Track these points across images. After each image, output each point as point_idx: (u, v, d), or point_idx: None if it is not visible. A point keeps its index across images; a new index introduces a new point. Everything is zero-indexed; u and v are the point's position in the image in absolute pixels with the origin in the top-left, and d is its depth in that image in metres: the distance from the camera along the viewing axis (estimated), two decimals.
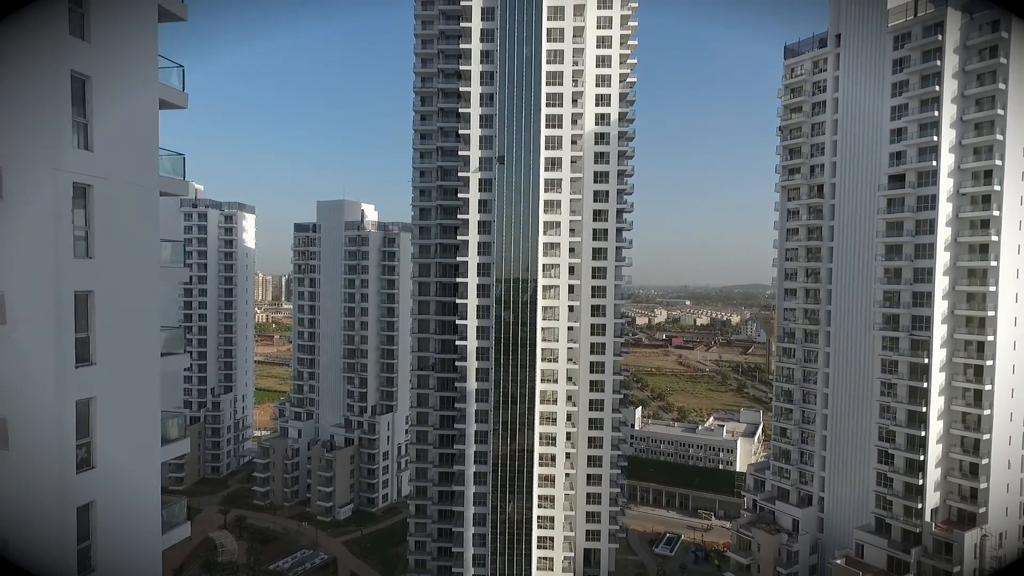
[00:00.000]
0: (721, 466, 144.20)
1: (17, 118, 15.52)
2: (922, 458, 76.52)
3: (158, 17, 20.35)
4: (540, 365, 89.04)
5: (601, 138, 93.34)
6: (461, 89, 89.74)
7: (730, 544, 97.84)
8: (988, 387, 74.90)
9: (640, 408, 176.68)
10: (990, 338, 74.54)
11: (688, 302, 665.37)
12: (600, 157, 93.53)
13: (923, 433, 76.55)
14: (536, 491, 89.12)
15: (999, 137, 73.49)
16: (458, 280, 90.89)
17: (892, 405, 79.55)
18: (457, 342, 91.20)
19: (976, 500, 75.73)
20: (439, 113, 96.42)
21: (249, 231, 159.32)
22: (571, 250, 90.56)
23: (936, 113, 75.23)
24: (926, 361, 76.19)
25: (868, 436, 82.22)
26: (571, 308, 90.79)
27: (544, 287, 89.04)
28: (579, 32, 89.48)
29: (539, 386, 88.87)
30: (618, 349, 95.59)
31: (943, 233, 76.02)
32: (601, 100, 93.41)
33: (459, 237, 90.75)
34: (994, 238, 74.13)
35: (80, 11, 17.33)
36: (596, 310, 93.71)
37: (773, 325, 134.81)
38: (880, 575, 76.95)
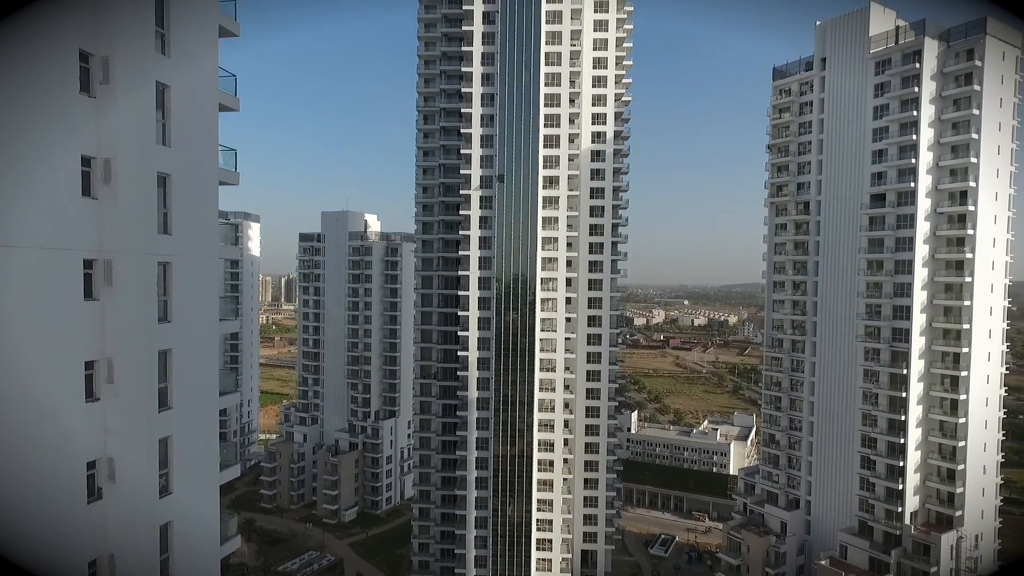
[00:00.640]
0: (715, 469, 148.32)
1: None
2: (902, 464, 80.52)
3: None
4: (539, 375, 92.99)
5: (597, 155, 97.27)
6: (463, 110, 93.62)
7: (722, 545, 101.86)
8: (964, 396, 78.96)
9: (636, 412, 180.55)
10: (965, 350, 78.58)
11: (686, 302, 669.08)
12: (596, 174, 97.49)
13: (902, 440, 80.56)
14: (535, 495, 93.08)
15: (973, 160, 77.51)
16: (460, 293, 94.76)
17: (874, 413, 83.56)
18: (459, 352, 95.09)
19: (953, 504, 79.77)
20: (441, 131, 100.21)
21: (254, 239, 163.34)
22: (568, 263, 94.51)
23: (914, 136, 79.22)
24: (905, 372, 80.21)
25: (851, 443, 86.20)
26: (568, 319, 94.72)
27: (542, 300, 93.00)
28: (576, 56, 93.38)
29: (537, 395, 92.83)
30: (614, 358, 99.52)
31: (921, 250, 80.00)
32: (597, 119, 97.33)
33: (461, 252, 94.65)
34: (969, 255, 78.11)
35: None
36: (592, 320, 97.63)
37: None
38: (862, 575, 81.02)
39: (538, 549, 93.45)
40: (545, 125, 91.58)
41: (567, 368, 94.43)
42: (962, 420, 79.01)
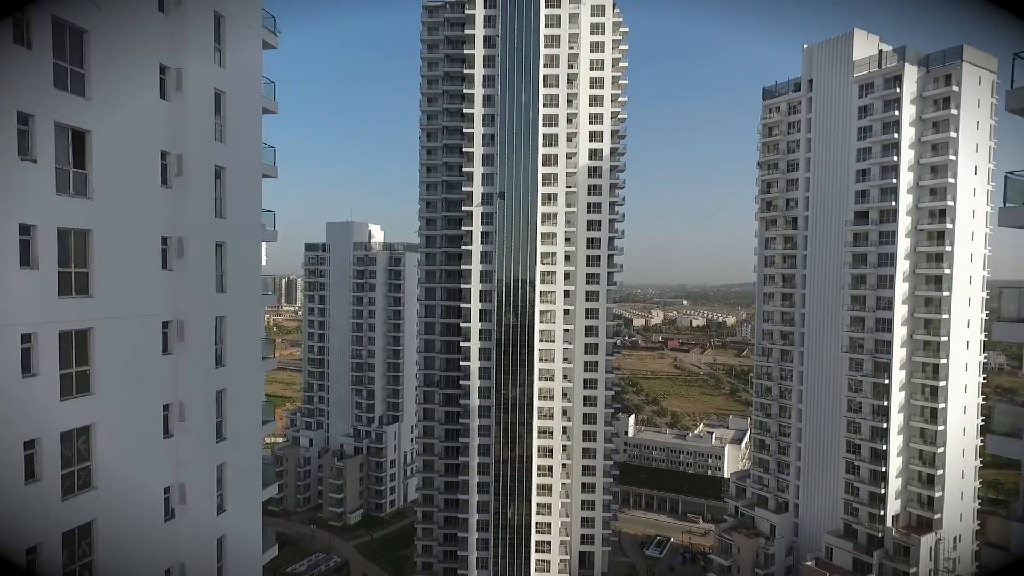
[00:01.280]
0: (709, 472, 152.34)
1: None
2: (884, 469, 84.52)
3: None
4: (538, 383, 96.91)
5: (594, 171, 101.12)
6: (465, 129, 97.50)
7: (714, 547, 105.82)
8: (942, 405, 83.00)
9: (633, 416, 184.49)
10: (943, 361, 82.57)
11: (685, 302, 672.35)
12: (593, 189, 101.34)
13: (885, 447, 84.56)
14: (535, 499, 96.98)
15: (951, 180, 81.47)
16: (462, 305, 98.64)
17: (858, 420, 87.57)
18: (461, 362, 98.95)
19: (933, 507, 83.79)
20: (444, 149, 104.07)
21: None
22: (566, 275, 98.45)
23: (895, 158, 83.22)
24: (887, 381, 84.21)
25: (837, 449, 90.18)
26: (566, 330, 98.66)
27: (541, 312, 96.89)
28: (573, 79, 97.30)
29: (537, 403, 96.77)
30: (610, 366, 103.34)
31: (902, 266, 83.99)
32: (594, 136, 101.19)
33: (463, 266, 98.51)
34: (947, 271, 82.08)
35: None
36: (589, 331, 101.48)
37: None
38: (846, 575, 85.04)
39: (537, 551, 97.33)
40: (544, 145, 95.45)
41: (565, 376, 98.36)
42: (941, 428, 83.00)
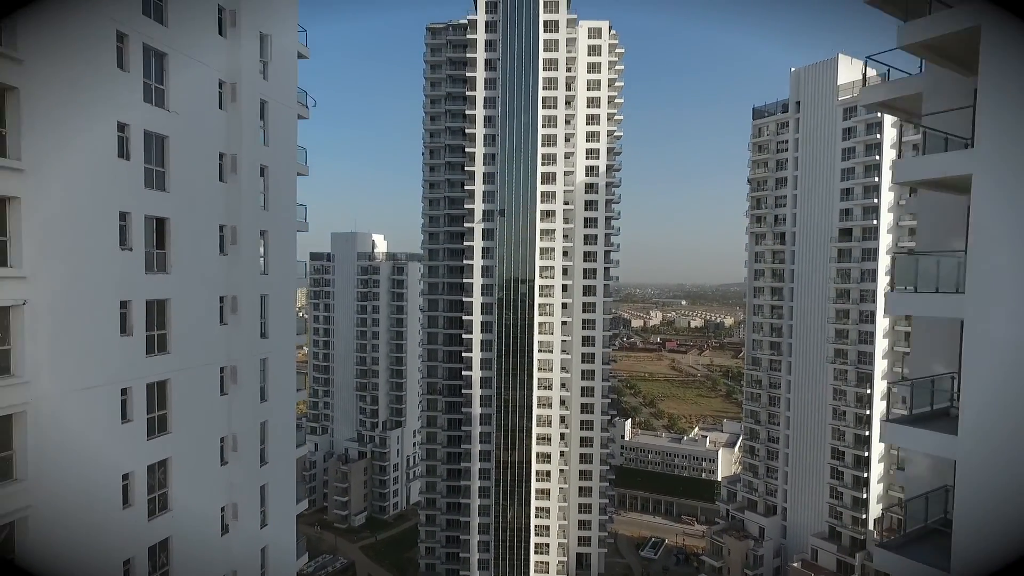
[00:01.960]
0: (704, 475, 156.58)
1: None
2: (866, 475, 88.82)
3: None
4: (536, 392, 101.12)
5: (591, 187, 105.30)
6: (467, 149, 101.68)
7: (706, 548, 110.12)
8: None
9: (630, 420, 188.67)
10: None
11: (684, 302, 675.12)
12: (589, 205, 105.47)
13: (867, 453, 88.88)
14: (534, 503, 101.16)
15: None
16: (464, 317, 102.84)
17: (842, 428, 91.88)
18: (463, 372, 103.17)
19: None
20: (447, 166, 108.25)
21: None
22: (564, 288, 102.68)
23: (877, 179, 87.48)
24: (869, 391, 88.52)
25: (823, 455, 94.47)
26: (564, 340, 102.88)
27: (540, 323, 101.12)
28: (571, 100, 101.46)
29: (536, 411, 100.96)
30: (607, 374, 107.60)
31: (883, 281, 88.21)
32: (591, 154, 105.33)
33: (464, 279, 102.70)
34: None
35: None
36: (586, 340, 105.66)
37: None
38: None
39: (536, 552, 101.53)
40: (542, 164, 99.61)
41: (563, 385, 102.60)
42: None
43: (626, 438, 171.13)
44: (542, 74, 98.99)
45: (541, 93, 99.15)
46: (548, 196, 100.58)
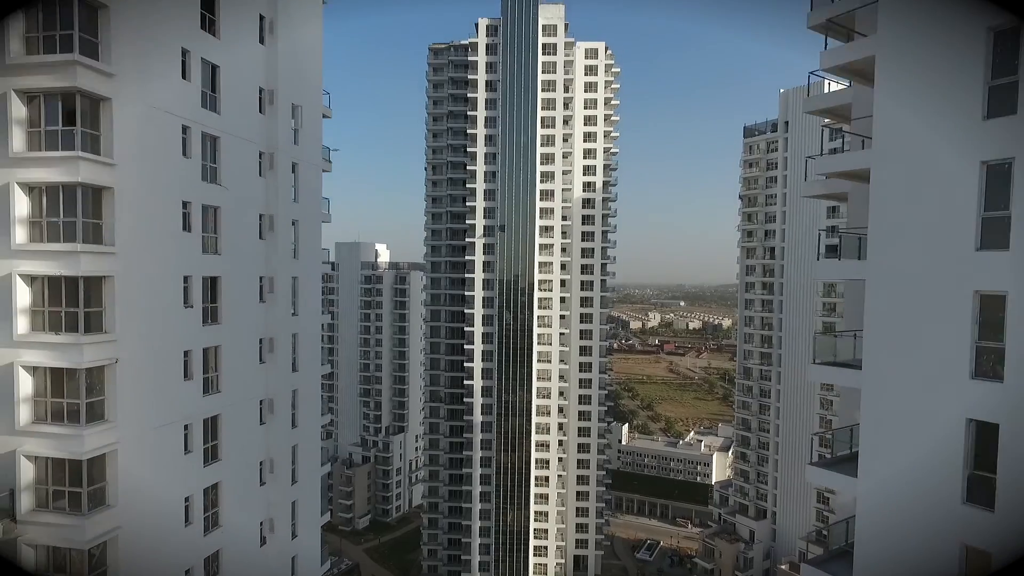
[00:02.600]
0: (698, 479, 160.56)
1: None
2: None
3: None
4: (536, 401, 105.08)
5: (587, 203, 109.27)
6: (468, 167, 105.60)
7: (699, 550, 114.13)
8: None
9: (627, 425, 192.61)
10: None
11: (682, 303, 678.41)
12: (586, 220, 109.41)
13: None
14: (533, 507, 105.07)
15: None
16: (466, 328, 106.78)
17: (828, 435, 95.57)
18: (465, 381, 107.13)
19: None
20: (448, 181, 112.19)
21: None
22: (562, 300, 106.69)
23: None
24: None
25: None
26: (562, 349, 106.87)
27: (539, 335, 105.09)
28: (568, 120, 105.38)
29: (535, 419, 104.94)
30: (603, 384, 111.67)
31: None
32: (588, 170, 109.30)
33: (466, 292, 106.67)
34: None
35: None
36: (584, 351, 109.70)
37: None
38: None
39: (535, 555, 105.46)
40: (541, 181, 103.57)
41: (561, 394, 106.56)
42: None
43: (623, 442, 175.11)
44: (540, 95, 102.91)
45: (540, 113, 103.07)
46: (546, 212, 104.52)
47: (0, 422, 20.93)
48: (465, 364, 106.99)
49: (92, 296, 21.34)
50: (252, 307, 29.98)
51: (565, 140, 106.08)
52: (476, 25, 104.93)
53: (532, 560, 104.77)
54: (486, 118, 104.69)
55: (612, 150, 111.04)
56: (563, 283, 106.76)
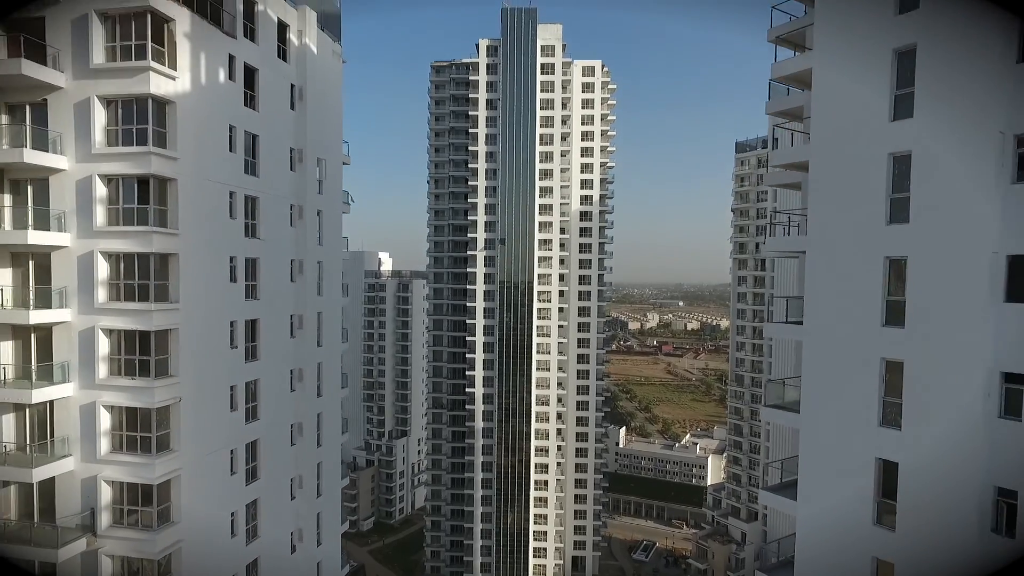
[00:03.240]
0: (694, 480, 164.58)
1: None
2: None
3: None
4: (535, 407, 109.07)
5: (585, 215, 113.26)
6: (469, 182, 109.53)
7: (692, 552, 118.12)
8: None
9: (624, 428, 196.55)
10: None
11: (681, 303, 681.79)
12: (584, 232, 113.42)
13: None
14: (532, 510, 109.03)
15: None
16: (467, 337, 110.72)
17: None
18: (466, 388, 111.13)
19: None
20: (450, 195, 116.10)
21: None
22: (560, 310, 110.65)
23: None
24: None
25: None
26: (561, 356, 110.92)
27: (538, 344, 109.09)
28: (566, 136, 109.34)
29: (535, 426, 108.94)
30: (600, 390, 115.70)
31: None
32: (585, 184, 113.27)
33: (468, 302, 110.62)
34: None
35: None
36: (581, 359, 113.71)
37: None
38: None
39: (534, 556, 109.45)
40: (540, 195, 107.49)
41: (559, 400, 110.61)
42: None
43: (620, 445, 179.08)
44: (539, 112, 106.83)
45: (539, 130, 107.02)
46: (545, 225, 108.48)
47: (84, 452, 24.87)
48: (467, 371, 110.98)
49: (159, 345, 25.26)
50: (284, 342, 33.84)
51: (563, 155, 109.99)
52: (477, 46, 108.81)
53: (532, 560, 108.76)
54: (487, 135, 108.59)
55: (608, 164, 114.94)
56: (561, 293, 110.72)
